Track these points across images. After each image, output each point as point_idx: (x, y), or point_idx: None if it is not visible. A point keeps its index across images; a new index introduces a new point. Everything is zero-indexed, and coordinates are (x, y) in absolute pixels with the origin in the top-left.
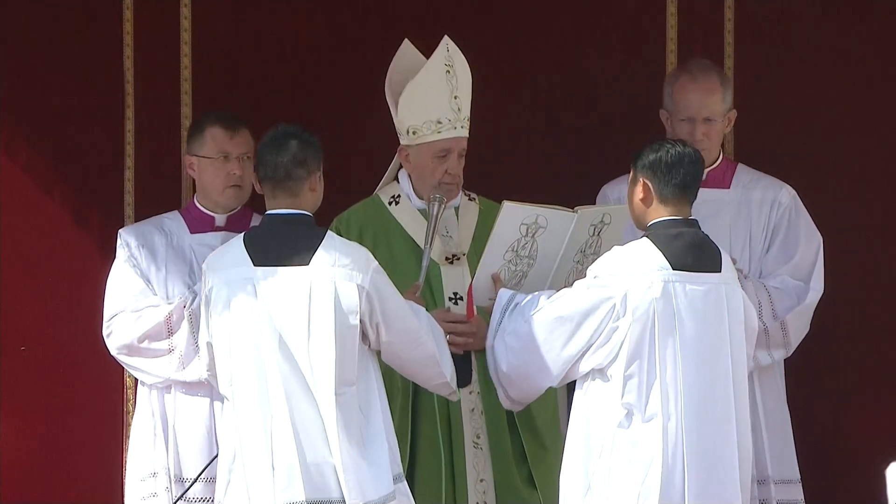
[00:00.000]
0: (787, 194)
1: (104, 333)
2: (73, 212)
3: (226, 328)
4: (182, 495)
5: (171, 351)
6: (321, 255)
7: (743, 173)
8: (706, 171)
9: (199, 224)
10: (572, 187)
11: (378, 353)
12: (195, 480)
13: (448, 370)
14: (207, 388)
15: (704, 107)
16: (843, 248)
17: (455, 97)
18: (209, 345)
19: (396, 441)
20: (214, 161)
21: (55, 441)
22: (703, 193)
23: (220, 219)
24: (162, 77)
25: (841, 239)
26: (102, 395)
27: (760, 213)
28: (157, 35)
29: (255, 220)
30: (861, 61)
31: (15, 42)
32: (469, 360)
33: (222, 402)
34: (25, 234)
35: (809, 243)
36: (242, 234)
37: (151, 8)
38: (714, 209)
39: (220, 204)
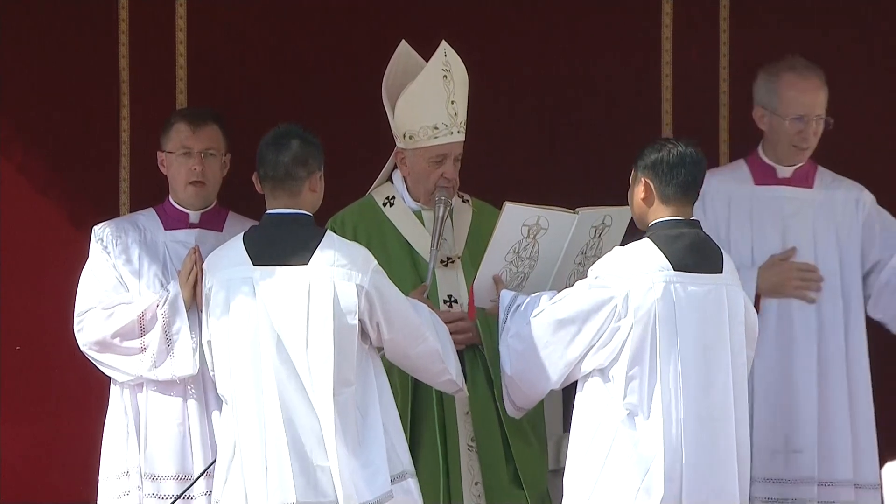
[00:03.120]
0: (868, 195)
1: (75, 329)
2: (69, 211)
3: (225, 327)
4: (181, 494)
5: (143, 350)
6: (320, 255)
7: (824, 174)
8: (792, 169)
9: (174, 221)
10: (570, 189)
11: (381, 352)
12: (192, 483)
13: (453, 367)
14: (180, 387)
15: (818, 104)
16: None
17: (452, 102)
18: (209, 343)
19: (404, 439)
20: (178, 157)
21: (53, 440)
22: (786, 191)
23: (194, 216)
24: (158, 76)
25: None
26: (99, 394)
27: (845, 211)
28: (153, 35)
29: (231, 219)
30: (859, 62)
31: (11, 43)
32: (463, 361)
33: (196, 400)
34: (21, 234)
35: None
36: (242, 233)
37: (147, 9)
38: (797, 207)
39: (185, 200)
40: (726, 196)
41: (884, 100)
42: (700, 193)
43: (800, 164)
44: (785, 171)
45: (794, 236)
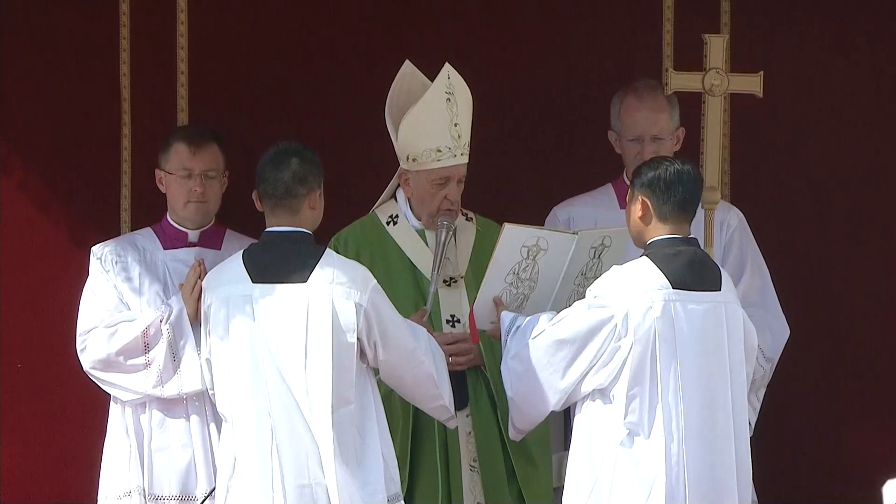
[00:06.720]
0: (735, 216)
1: (78, 349)
2: (69, 229)
3: (224, 345)
4: None
5: (147, 366)
6: (319, 273)
7: None
8: None
9: (172, 240)
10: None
11: (377, 372)
12: None
13: (447, 393)
14: (184, 406)
15: (653, 125)
16: (839, 266)
17: (455, 124)
18: (208, 361)
19: (395, 461)
20: (177, 177)
21: (51, 457)
22: None
23: (192, 234)
24: (159, 93)
25: (838, 254)
26: (99, 412)
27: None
28: (154, 49)
29: (230, 236)
30: (856, 70)
31: (10, 59)
32: (465, 382)
33: (199, 417)
34: (21, 251)
35: (759, 264)
36: (241, 250)
37: (148, 25)
38: None
39: (185, 219)
40: (592, 220)
41: (885, 99)
42: (568, 218)
43: None
44: None
45: None
